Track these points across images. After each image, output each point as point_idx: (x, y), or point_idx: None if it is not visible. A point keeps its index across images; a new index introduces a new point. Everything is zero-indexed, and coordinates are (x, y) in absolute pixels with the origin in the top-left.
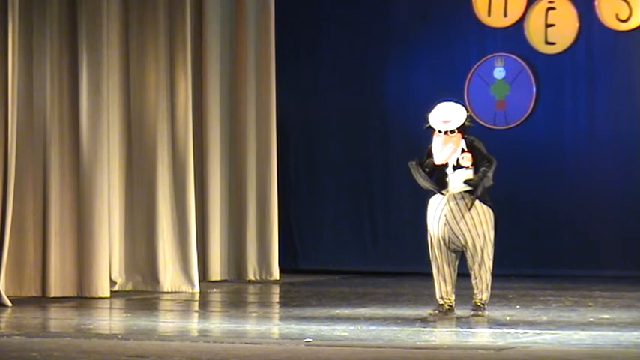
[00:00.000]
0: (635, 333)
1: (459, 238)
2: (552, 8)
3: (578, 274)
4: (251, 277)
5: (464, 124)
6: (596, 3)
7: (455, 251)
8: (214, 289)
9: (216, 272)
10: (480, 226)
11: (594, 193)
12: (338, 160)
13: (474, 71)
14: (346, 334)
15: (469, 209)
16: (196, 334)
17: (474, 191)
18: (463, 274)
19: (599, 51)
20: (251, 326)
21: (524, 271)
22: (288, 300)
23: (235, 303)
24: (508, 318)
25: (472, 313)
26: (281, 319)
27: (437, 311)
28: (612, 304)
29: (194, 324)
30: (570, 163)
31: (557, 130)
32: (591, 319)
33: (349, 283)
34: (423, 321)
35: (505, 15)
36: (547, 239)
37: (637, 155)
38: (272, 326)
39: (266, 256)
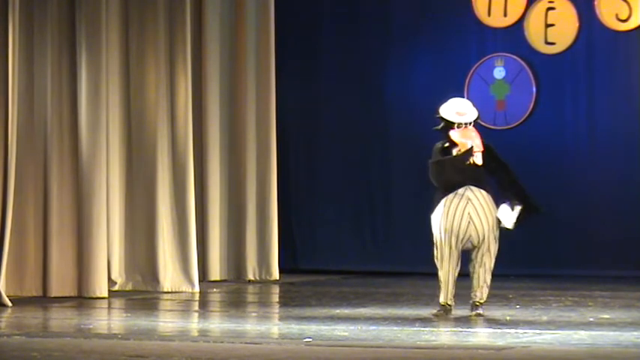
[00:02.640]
0: (635, 333)
1: (478, 235)
2: (552, 8)
3: (578, 274)
4: (251, 277)
5: (477, 120)
6: (596, 3)
7: (463, 251)
8: (214, 289)
9: (216, 272)
10: (496, 226)
11: (594, 192)
12: (338, 160)
13: (474, 71)
14: (346, 334)
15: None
16: (196, 334)
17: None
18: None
19: (599, 51)
20: (251, 326)
21: (524, 271)
22: (288, 300)
23: (235, 303)
24: (508, 318)
25: (473, 313)
26: (281, 319)
27: (441, 312)
28: (612, 304)
29: (194, 324)
30: (570, 163)
31: (557, 129)
32: (591, 319)
33: (349, 283)
34: (423, 321)
35: (505, 15)
36: (547, 239)
37: (637, 155)
38: (272, 326)
39: (266, 256)
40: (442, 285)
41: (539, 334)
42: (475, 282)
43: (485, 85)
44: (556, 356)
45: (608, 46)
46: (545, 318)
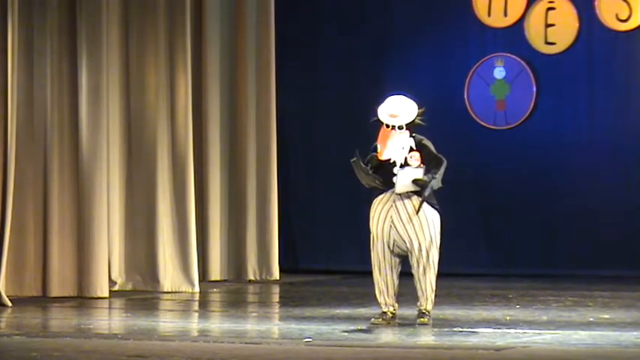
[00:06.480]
0: (635, 333)
1: (404, 242)
2: (552, 8)
3: (578, 274)
4: (251, 277)
5: (413, 121)
6: (596, 3)
7: (398, 255)
8: (214, 289)
9: (216, 272)
10: (427, 230)
11: (594, 192)
12: (338, 161)
13: (474, 71)
14: (346, 334)
15: (417, 212)
16: (196, 334)
17: (422, 192)
18: (447, 274)
19: (599, 51)
20: (251, 326)
21: (524, 271)
22: (288, 300)
23: (235, 303)
24: (508, 318)
25: (418, 321)
26: (281, 319)
27: (380, 319)
28: (612, 304)
29: (194, 324)
30: (570, 162)
31: (558, 130)
32: (591, 319)
33: (349, 283)
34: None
35: (505, 15)
36: (547, 239)
37: (637, 155)
38: (272, 326)
39: (266, 256)
40: (377, 291)
41: (539, 334)
42: (417, 290)
43: (485, 85)
44: (556, 356)
45: (608, 46)
46: (545, 318)
